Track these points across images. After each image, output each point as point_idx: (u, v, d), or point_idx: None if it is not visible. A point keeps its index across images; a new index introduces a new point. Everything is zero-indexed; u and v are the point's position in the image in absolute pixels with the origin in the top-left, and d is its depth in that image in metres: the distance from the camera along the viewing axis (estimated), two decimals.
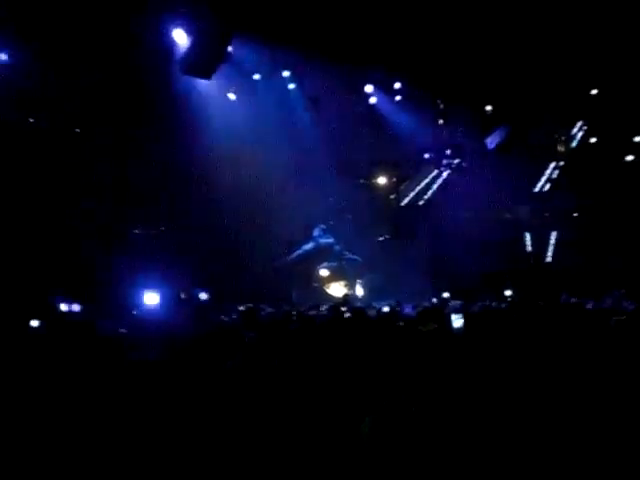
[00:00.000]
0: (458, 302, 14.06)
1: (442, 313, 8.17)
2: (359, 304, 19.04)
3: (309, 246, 22.77)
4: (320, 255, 22.71)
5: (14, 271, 15.35)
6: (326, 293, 22.10)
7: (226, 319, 11.07)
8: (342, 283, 22.46)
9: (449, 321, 6.81)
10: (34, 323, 9.06)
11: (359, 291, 22.42)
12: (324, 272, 22.34)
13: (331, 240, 22.84)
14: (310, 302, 18.26)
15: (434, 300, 17.05)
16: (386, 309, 12.90)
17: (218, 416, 5.84)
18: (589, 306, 11.49)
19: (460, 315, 6.91)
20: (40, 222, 16.49)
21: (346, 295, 19.66)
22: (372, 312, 12.15)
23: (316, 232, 22.88)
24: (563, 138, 24.55)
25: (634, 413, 5.51)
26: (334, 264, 22.60)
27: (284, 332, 7.97)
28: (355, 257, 22.79)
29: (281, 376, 6.33)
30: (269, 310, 13.30)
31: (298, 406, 5.90)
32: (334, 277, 22.50)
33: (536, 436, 5.42)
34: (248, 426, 5.73)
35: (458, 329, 6.80)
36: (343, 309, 13.10)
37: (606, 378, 5.90)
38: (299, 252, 22.67)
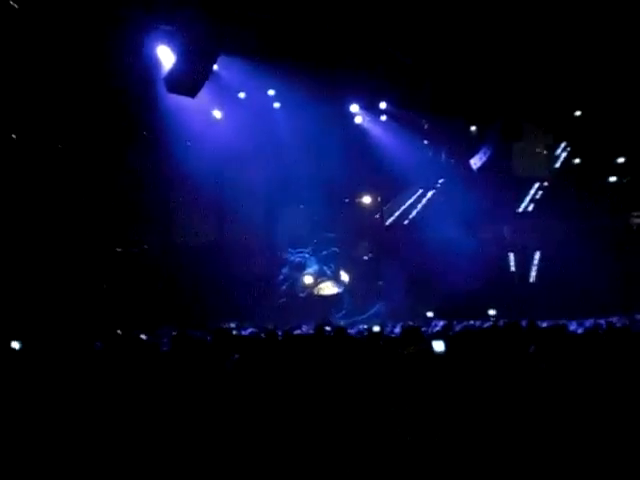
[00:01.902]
0: (441, 322, 14.03)
1: (421, 334, 8.16)
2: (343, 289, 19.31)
3: (285, 269, 22.82)
4: (298, 269, 22.82)
5: None
6: (319, 296, 22.23)
7: (208, 339, 11.01)
8: (329, 282, 22.60)
9: (430, 344, 6.79)
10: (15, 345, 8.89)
11: (344, 277, 22.57)
12: (308, 279, 22.49)
13: (302, 253, 22.92)
14: (301, 313, 18.41)
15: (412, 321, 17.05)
16: (377, 329, 12.86)
17: (202, 438, 5.81)
18: (572, 327, 11.52)
19: (441, 339, 6.87)
20: (20, 237, 16.38)
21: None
22: (354, 331, 12.13)
23: (286, 255, 22.98)
24: (547, 159, 24.65)
25: (615, 433, 5.51)
26: (314, 268, 22.71)
27: (267, 352, 7.93)
28: (330, 250, 22.92)
29: (265, 397, 6.30)
30: (251, 330, 13.26)
31: (280, 427, 5.87)
32: (319, 280, 22.64)
33: (519, 457, 5.41)
34: (230, 447, 5.70)
35: (439, 352, 6.77)
36: (326, 328, 13.06)
37: (588, 400, 5.89)
38: (279, 277, 22.75)
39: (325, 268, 22.83)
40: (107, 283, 17.69)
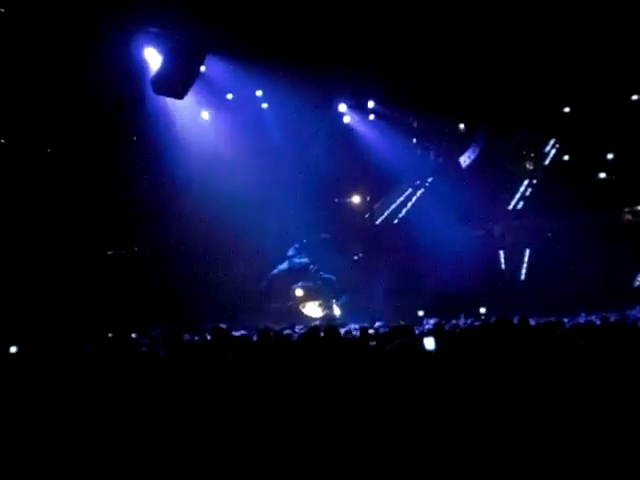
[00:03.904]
0: (432, 321, 14.04)
1: (411, 332, 8.15)
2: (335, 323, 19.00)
3: (284, 266, 22.68)
4: (295, 274, 22.62)
5: None
6: (300, 312, 22.00)
7: (198, 340, 11.00)
8: (317, 303, 22.34)
9: (421, 342, 6.77)
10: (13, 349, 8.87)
11: (335, 310, 22.33)
12: (299, 292, 22.23)
13: (306, 259, 22.76)
14: (286, 321, 18.22)
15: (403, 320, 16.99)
16: (371, 330, 12.86)
17: (197, 439, 5.79)
18: (565, 323, 11.51)
19: (431, 337, 6.87)
20: (9, 243, 16.33)
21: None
22: (344, 331, 12.11)
23: (291, 252, 22.80)
24: (536, 156, 24.68)
25: (609, 432, 5.50)
26: (309, 284, 22.49)
27: (260, 351, 7.91)
28: (330, 276, 22.69)
29: (256, 395, 6.28)
30: (242, 332, 13.24)
31: (273, 424, 5.86)
32: (309, 297, 22.37)
33: (511, 456, 5.39)
34: (224, 447, 5.68)
35: (430, 350, 6.76)
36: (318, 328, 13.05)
37: (585, 397, 5.89)
38: (274, 272, 22.58)
39: (321, 287, 22.63)
40: (98, 286, 17.63)
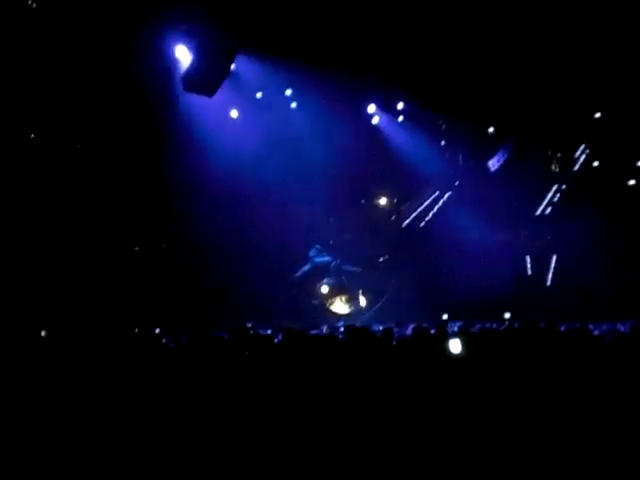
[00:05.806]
0: (458, 323, 13.99)
1: (442, 334, 8.13)
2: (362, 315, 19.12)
3: (306, 267, 22.68)
4: (318, 274, 22.63)
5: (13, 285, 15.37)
6: (329, 310, 22.03)
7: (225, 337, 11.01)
8: (343, 298, 22.36)
9: (447, 345, 6.74)
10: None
11: (362, 301, 22.34)
12: (324, 289, 22.25)
13: (327, 258, 22.74)
14: (315, 319, 18.29)
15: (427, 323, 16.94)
16: (396, 330, 12.84)
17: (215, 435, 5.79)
18: (594, 331, 11.41)
19: (458, 339, 6.84)
20: (39, 237, 16.45)
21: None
22: (369, 332, 12.07)
23: (312, 252, 22.80)
24: (565, 161, 24.49)
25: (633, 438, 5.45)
26: (333, 280, 22.50)
27: (283, 351, 7.91)
28: (353, 268, 22.70)
29: (276, 395, 6.28)
30: (268, 329, 13.25)
31: (291, 425, 5.86)
32: (335, 293, 22.40)
33: (535, 461, 5.35)
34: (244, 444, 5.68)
35: (456, 353, 6.73)
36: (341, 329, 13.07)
37: (606, 403, 5.83)
38: (297, 274, 22.58)
39: (345, 281, 22.59)
40: (125, 282, 17.73)
